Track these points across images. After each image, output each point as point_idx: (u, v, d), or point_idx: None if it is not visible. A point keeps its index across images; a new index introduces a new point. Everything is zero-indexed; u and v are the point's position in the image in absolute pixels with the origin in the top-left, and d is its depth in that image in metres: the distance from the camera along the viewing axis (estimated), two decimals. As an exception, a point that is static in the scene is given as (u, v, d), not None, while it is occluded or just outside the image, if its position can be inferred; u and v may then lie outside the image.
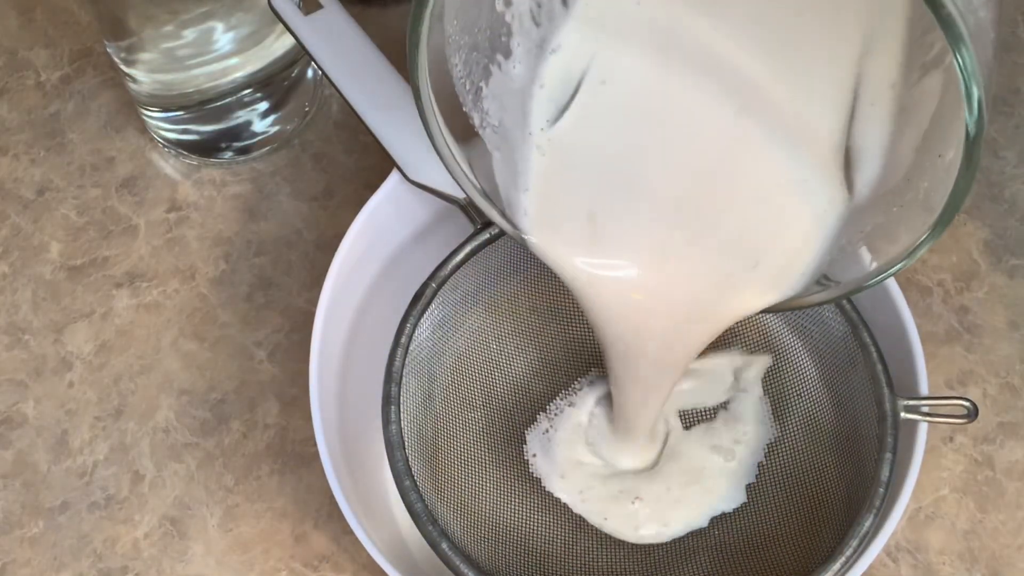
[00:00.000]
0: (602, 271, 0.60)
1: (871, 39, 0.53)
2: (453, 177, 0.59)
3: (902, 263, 0.54)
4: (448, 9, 0.51)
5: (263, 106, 0.84)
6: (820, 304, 0.59)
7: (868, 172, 0.55)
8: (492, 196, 0.60)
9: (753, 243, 0.58)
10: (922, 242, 0.52)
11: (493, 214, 0.60)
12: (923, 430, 0.63)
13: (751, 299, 0.59)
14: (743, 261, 0.59)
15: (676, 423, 0.70)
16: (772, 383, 0.70)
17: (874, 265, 0.56)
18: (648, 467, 0.68)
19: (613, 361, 0.63)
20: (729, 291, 0.59)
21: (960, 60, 0.43)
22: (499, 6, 0.55)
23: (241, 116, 0.84)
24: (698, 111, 0.57)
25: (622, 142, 0.59)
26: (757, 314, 0.60)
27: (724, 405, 0.70)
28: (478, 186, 0.60)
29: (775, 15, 0.54)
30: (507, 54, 0.57)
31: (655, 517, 0.67)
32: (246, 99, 0.83)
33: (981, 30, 0.44)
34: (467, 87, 0.57)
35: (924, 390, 0.65)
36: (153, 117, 0.84)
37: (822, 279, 0.58)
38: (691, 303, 0.60)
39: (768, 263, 0.58)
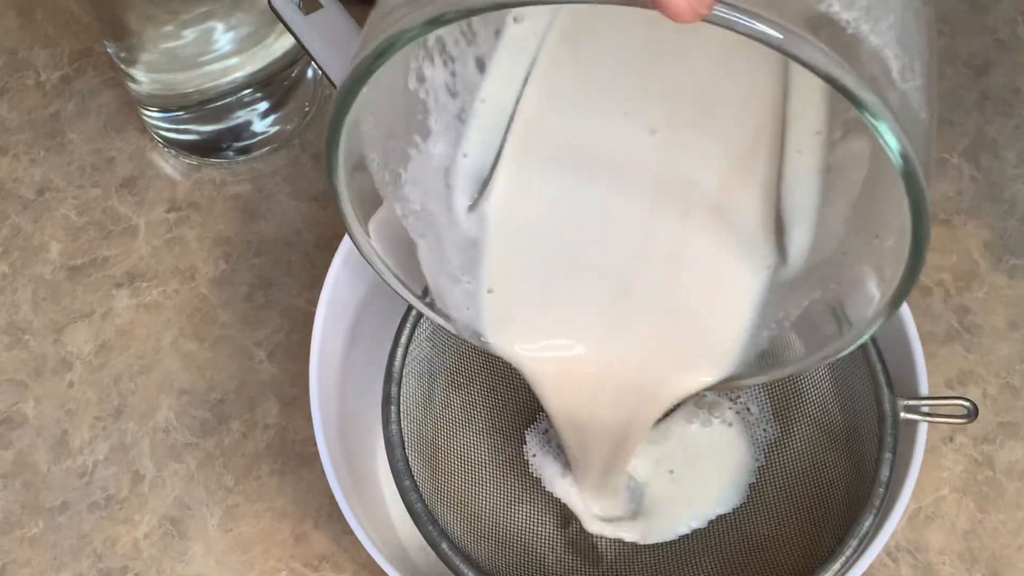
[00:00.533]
0: (545, 352, 0.61)
1: (790, 92, 0.53)
2: (384, 280, 0.60)
3: (848, 348, 0.54)
4: (364, 107, 0.50)
5: (263, 106, 0.84)
6: (762, 382, 0.61)
7: (799, 238, 0.56)
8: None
9: (689, 320, 0.59)
10: (864, 332, 0.52)
11: (429, 313, 0.61)
12: (923, 430, 0.64)
13: (692, 377, 0.60)
14: (680, 338, 0.59)
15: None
16: (772, 385, 0.71)
17: (815, 348, 0.57)
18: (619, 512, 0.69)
19: (565, 434, 0.64)
20: (670, 368, 0.60)
21: (885, 141, 0.42)
22: (412, 84, 0.55)
23: (241, 116, 0.84)
24: (617, 192, 0.57)
25: (550, 223, 0.59)
26: (703, 391, 0.60)
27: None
28: (411, 288, 0.60)
29: (687, 87, 0.54)
30: (425, 134, 0.57)
31: (685, 501, 0.68)
32: (246, 99, 0.83)
33: (907, 105, 0.43)
34: (386, 177, 0.56)
35: (924, 390, 0.65)
36: (153, 117, 0.84)
37: (767, 357, 0.59)
38: (632, 381, 0.61)
39: (705, 340, 0.59)
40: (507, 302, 0.60)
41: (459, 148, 0.58)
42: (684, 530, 0.67)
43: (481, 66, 0.56)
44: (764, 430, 0.69)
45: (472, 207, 0.58)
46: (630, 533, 0.68)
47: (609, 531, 0.68)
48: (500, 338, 0.60)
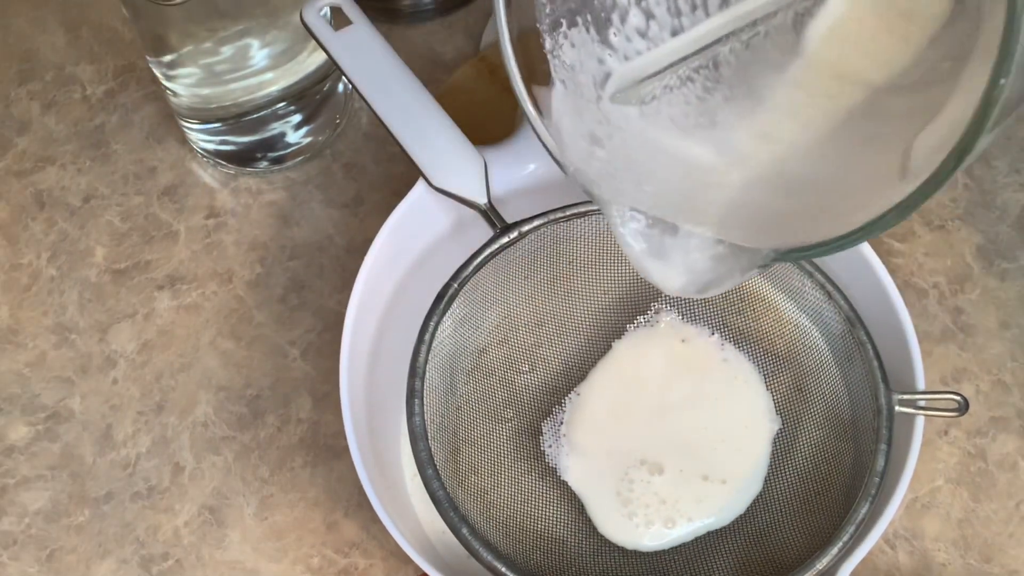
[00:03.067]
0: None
1: None
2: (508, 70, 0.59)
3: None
4: None
5: (296, 118, 0.86)
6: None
7: None
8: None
9: None
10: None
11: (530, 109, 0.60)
12: (919, 424, 0.65)
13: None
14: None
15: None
16: (776, 379, 0.72)
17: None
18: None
19: None
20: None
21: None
22: None
23: (276, 128, 0.85)
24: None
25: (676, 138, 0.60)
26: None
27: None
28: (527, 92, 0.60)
29: None
30: (601, 31, 0.58)
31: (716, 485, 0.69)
32: (280, 112, 0.84)
33: None
34: (547, 11, 0.57)
35: (921, 386, 0.67)
36: (192, 129, 0.86)
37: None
38: None
39: None
40: (617, 181, 0.60)
41: (630, 60, 0.59)
42: (689, 531, 0.69)
43: (674, 33, 0.58)
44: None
45: (617, 98, 0.59)
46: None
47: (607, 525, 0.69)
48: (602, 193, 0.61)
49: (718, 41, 0.59)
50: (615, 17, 0.58)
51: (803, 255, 0.55)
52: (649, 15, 0.59)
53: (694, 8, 0.59)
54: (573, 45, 0.59)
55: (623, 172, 0.60)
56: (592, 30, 0.59)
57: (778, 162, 0.58)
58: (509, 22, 0.58)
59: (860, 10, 0.56)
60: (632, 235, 0.61)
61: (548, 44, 0.58)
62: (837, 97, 0.57)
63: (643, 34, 0.59)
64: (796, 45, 0.58)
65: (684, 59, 0.59)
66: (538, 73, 0.60)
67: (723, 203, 0.59)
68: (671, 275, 0.60)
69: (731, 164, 0.58)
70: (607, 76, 0.59)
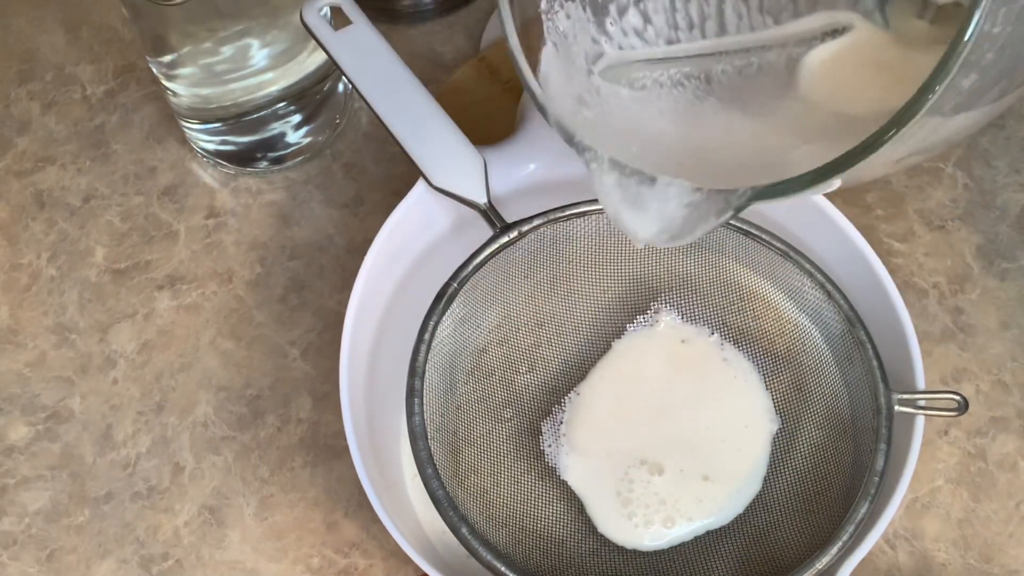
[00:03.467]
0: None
1: None
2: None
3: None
4: None
5: (296, 118, 0.86)
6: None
7: None
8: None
9: None
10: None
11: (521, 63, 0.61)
12: (919, 423, 0.65)
13: None
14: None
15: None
16: (775, 379, 0.72)
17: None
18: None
19: None
20: None
21: None
22: None
23: (276, 128, 0.86)
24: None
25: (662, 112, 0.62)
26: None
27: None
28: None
29: None
30: (599, 20, 0.59)
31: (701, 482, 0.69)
32: (280, 112, 0.84)
33: None
34: None
35: (921, 386, 0.67)
36: (192, 129, 0.86)
37: None
38: None
39: None
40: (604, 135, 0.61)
41: (623, 50, 0.61)
42: (687, 531, 0.69)
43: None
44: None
45: (608, 75, 0.60)
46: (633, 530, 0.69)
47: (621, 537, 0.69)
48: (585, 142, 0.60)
49: (711, 56, 0.60)
50: (612, 9, 0.60)
51: (777, 192, 0.54)
52: (647, 19, 0.59)
53: (691, 27, 0.60)
54: (568, 16, 0.60)
55: (608, 132, 0.61)
56: (588, 11, 0.60)
57: (764, 149, 0.59)
58: None
59: (853, 50, 0.57)
60: (609, 184, 0.61)
61: (544, 4, 0.59)
62: (826, 121, 0.59)
63: (639, 34, 0.60)
64: (789, 79, 0.59)
65: (677, 59, 0.60)
66: (532, 31, 0.60)
67: (704, 163, 0.60)
68: (644, 224, 0.60)
69: (716, 150, 0.60)
70: (599, 56, 0.61)
